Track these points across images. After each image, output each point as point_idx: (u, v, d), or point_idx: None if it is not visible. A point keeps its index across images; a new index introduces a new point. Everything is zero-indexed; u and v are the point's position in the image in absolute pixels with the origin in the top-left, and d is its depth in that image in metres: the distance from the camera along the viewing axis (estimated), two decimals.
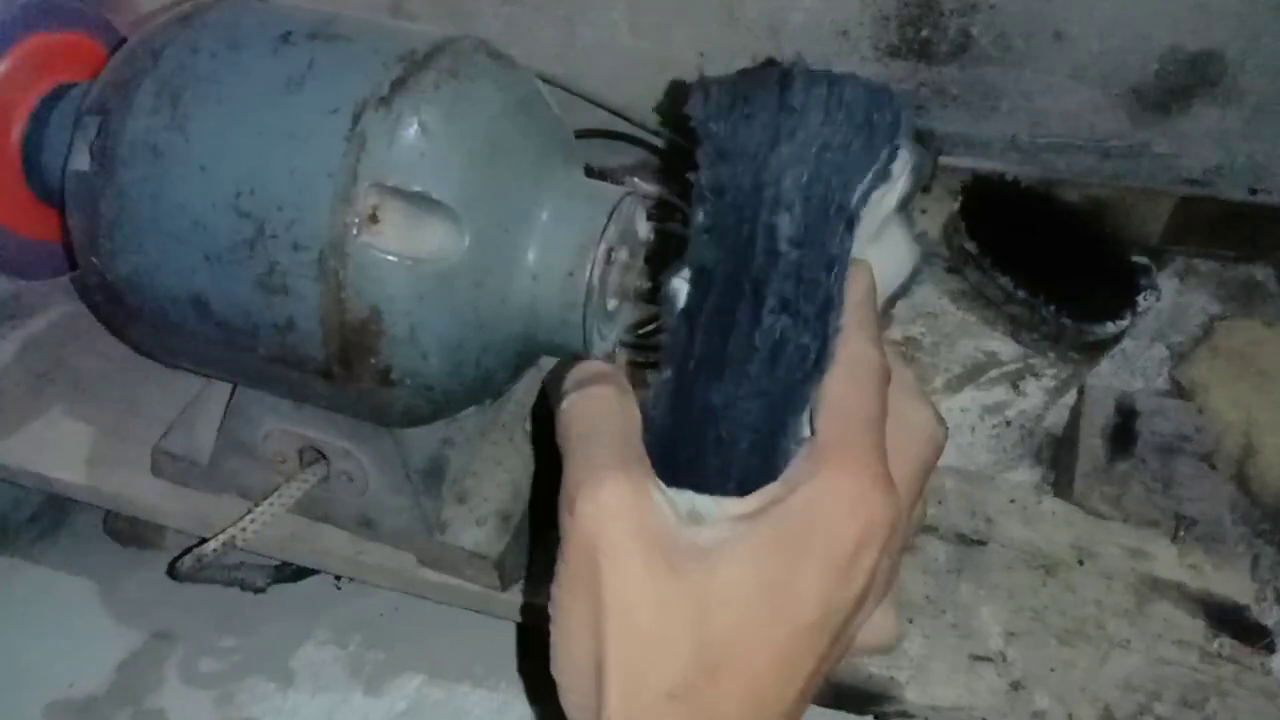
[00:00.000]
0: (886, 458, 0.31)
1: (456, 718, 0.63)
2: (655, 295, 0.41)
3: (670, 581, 0.30)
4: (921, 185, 0.38)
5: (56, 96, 0.59)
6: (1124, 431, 0.66)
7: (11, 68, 0.59)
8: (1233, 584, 0.58)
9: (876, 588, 0.32)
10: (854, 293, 0.34)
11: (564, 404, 0.34)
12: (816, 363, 0.34)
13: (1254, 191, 0.85)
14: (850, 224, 0.34)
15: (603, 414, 0.33)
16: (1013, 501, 0.63)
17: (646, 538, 0.30)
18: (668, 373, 0.36)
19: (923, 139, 0.37)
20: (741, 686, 0.30)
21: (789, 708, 0.31)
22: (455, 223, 0.46)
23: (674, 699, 0.30)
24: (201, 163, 0.47)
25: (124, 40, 0.55)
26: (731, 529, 0.31)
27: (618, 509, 0.31)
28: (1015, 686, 0.54)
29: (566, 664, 0.32)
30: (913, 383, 0.36)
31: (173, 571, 0.58)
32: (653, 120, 0.87)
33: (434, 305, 0.46)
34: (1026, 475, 0.70)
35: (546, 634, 0.33)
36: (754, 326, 0.35)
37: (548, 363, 0.61)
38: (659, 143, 0.89)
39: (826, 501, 0.30)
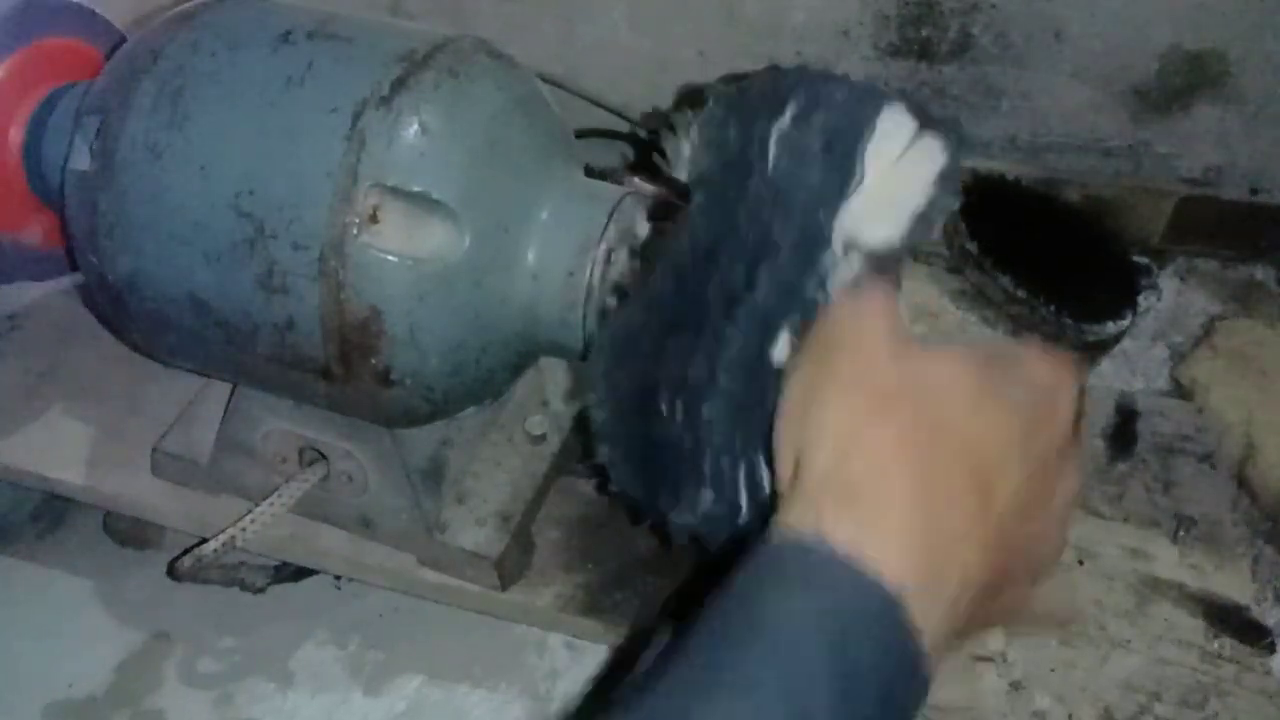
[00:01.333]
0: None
1: (456, 718, 0.63)
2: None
3: (904, 360, 0.35)
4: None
5: (56, 98, 0.59)
6: (1124, 431, 0.66)
7: (12, 71, 0.59)
8: (1233, 584, 0.58)
9: (1066, 458, 0.36)
10: None
11: None
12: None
13: (1254, 191, 0.85)
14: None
15: None
16: None
17: (892, 328, 0.36)
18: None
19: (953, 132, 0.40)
20: (959, 460, 0.33)
21: (1005, 507, 0.34)
22: (455, 223, 0.46)
23: (901, 445, 0.33)
24: (201, 162, 0.47)
25: (124, 41, 0.55)
26: (949, 344, 0.36)
27: (878, 295, 0.36)
28: (1015, 686, 0.54)
29: (791, 424, 0.35)
30: None
31: (173, 571, 0.58)
32: (652, 120, 0.87)
33: (434, 305, 0.46)
34: None
35: None
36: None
37: (547, 363, 0.61)
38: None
39: (1035, 358, 0.36)
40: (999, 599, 0.36)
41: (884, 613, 0.31)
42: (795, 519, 0.32)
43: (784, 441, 0.35)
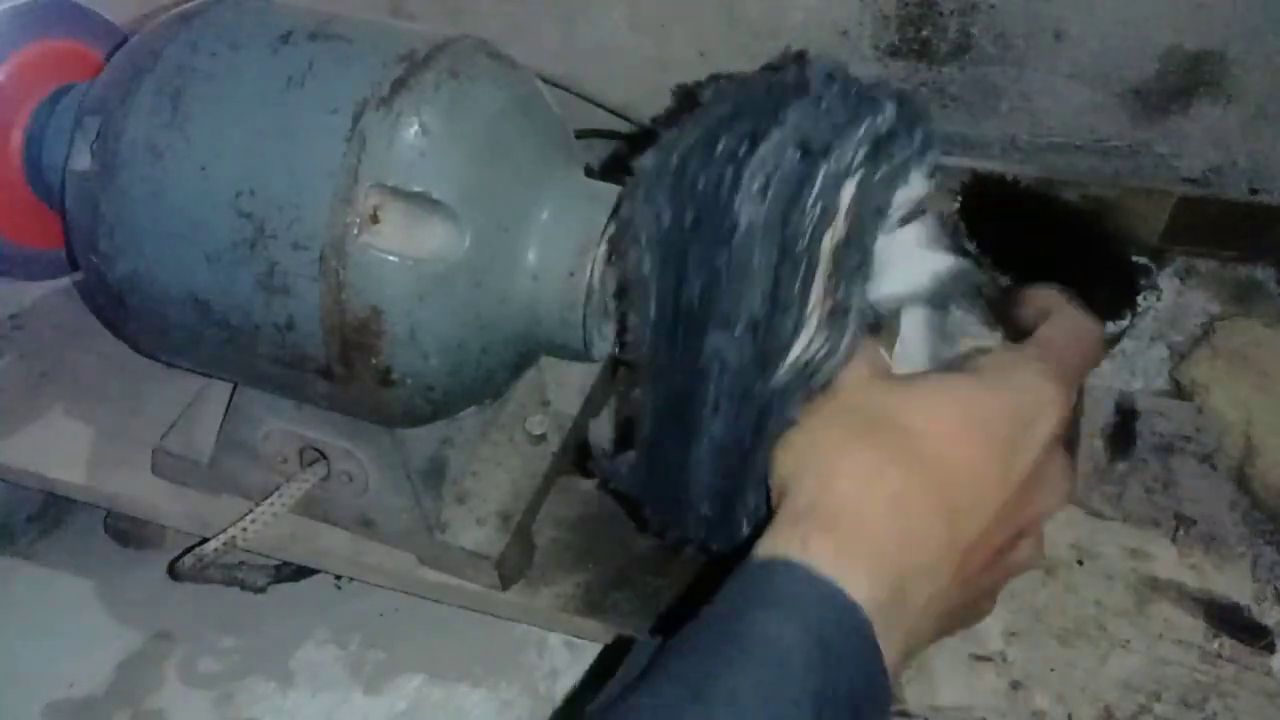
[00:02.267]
0: (1072, 381, 0.39)
1: (456, 718, 0.63)
2: None
3: (885, 393, 0.37)
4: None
5: (57, 98, 0.59)
6: (1124, 431, 0.66)
7: (13, 72, 0.59)
8: (1233, 584, 0.58)
9: (1045, 475, 0.37)
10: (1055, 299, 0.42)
11: None
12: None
13: (1254, 191, 0.85)
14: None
15: None
16: None
17: (872, 364, 0.38)
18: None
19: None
20: (933, 493, 0.35)
21: (975, 537, 0.35)
22: (455, 223, 0.46)
23: (877, 475, 0.35)
24: (202, 163, 0.47)
25: (124, 41, 0.55)
26: (934, 374, 0.39)
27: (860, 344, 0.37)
28: (1015, 686, 0.54)
29: (786, 461, 0.37)
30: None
31: (173, 571, 0.58)
32: (653, 120, 0.87)
33: (434, 305, 0.46)
34: None
35: None
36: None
37: (548, 363, 0.61)
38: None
39: (1018, 376, 0.37)
40: (961, 618, 0.38)
41: (857, 633, 0.32)
42: (782, 542, 0.34)
43: (773, 473, 0.37)
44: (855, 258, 0.37)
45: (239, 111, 0.47)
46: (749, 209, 0.37)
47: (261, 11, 0.51)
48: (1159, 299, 0.82)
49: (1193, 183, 0.85)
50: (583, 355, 0.51)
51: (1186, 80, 0.80)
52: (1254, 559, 0.61)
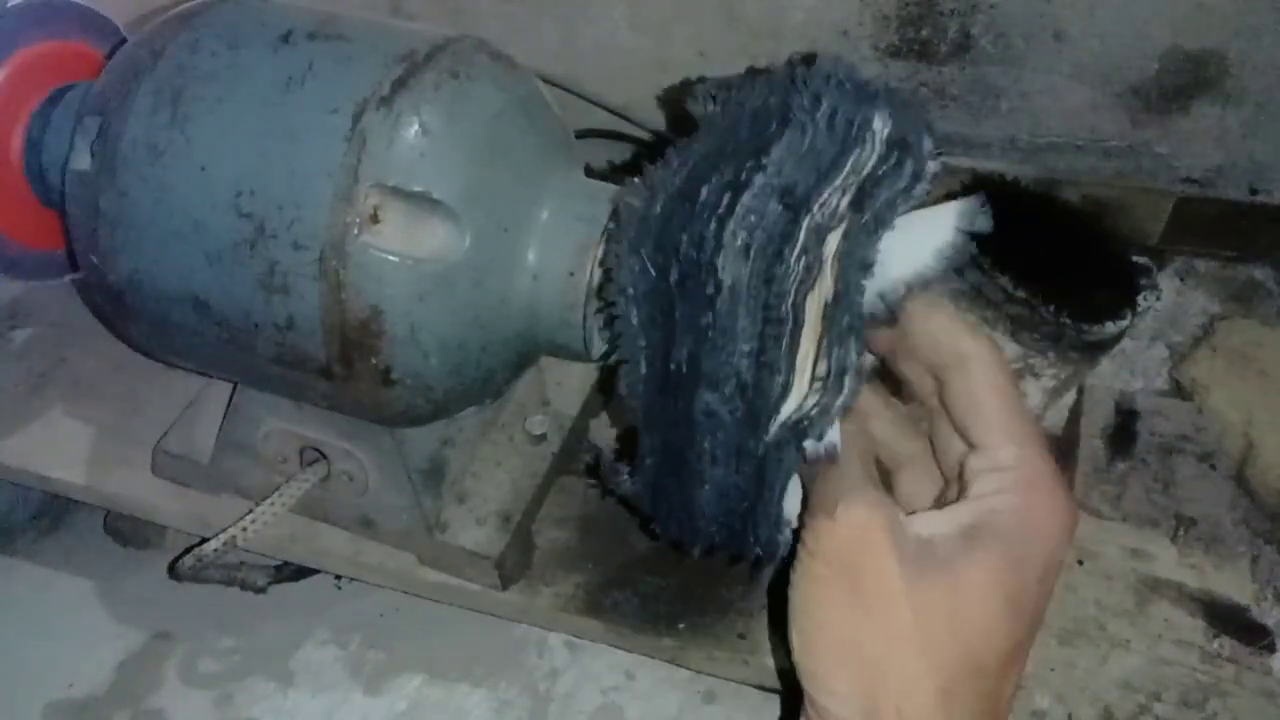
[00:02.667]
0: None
1: (456, 718, 0.63)
2: None
3: (924, 587, 0.36)
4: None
5: (57, 98, 0.59)
6: (1124, 431, 0.66)
7: (13, 72, 0.59)
8: (1233, 584, 0.58)
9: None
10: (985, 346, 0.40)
11: None
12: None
13: (1254, 191, 0.85)
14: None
15: (849, 442, 0.38)
16: None
17: (901, 547, 0.36)
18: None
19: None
20: (990, 685, 0.36)
21: (1011, 698, 0.38)
22: (455, 223, 0.46)
23: (945, 694, 0.35)
24: (202, 163, 0.47)
25: (124, 41, 0.55)
26: (960, 543, 0.36)
27: (879, 520, 0.36)
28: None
29: (821, 653, 0.37)
30: None
31: (173, 571, 0.58)
32: (652, 120, 0.87)
33: (434, 305, 0.46)
34: None
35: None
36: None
37: (548, 363, 0.61)
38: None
39: (1036, 518, 0.37)
40: None
41: None
42: None
43: (824, 681, 0.37)
44: (845, 318, 0.36)
45: (239, 111, 0.47)
46: (732, 268, 0.36)
47: (261, 11, 0.51)
48: (1159, 299, 0.82)
49: (1193, 183, 0.85)
50: (583, 355, 0.51)
51: (1186, 80, 0.80)
52: (1254, 559, 0.61)
